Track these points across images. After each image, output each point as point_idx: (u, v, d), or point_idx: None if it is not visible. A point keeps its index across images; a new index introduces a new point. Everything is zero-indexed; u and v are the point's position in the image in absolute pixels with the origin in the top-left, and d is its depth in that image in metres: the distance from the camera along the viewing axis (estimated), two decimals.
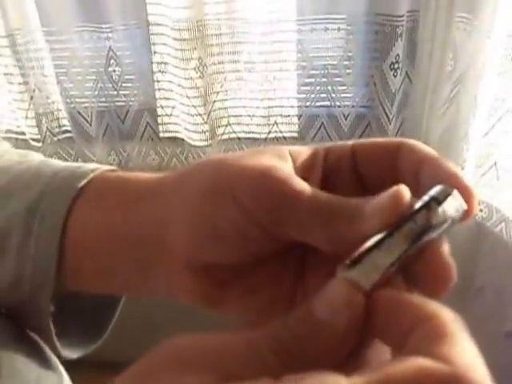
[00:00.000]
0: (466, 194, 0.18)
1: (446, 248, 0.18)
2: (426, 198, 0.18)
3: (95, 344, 0.28)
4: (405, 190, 0.18)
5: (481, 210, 0.87)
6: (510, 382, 0.93)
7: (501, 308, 0.90)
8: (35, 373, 0.26)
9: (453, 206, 0.18)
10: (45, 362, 0.27)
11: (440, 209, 0.17)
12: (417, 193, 0.19)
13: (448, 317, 0.15)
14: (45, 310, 0.24)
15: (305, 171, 0.22)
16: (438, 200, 0.18)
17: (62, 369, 0.30)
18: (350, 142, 0.23)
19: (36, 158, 0.30)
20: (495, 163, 0.84)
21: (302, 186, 0.20)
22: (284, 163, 0.22)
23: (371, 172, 0.22)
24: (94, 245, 0.24)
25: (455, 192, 0.18)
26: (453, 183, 0.19)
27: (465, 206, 0.18)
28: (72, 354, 0.27)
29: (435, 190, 0.18)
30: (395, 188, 0.18)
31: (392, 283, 0.17)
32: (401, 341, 0.15)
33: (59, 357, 0.27)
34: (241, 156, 0.22)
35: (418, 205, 0.18)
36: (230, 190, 0.21)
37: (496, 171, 0.84)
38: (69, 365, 0.29)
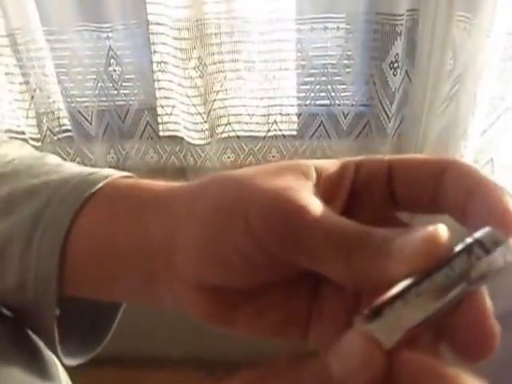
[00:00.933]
0: None
1: (488, 305, 0.15)
2: (469, 240, 0.15)
3: (93, 352, 0.28)
4: (443, 233, 0.15)
5: None
6: (500, 366, 0.94)
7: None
8: (31, 383, 0.25)
9: (502, 255, 0.15)
10: (43, 372, 0.27)
11: (486, 258, 0.15)
12: (463, 225, 0.18)
13: None
14: (49, 315, 0.24)
15: (331, 187, 0.21)
16: (482, 245, 0.15)
17: (62, 377, 0.29)
18: (387, 157, 0.21)
19: (53, 161, 0.29)
20: (492, 159, 0.84)
21: (320, 212, 0.18)
22: (305, 182, 0.20)
23: (408, 191, 0.21)
24: (98, 253, 0.23)
25: (509, 241, 0.15)
26: (506, 226, 0.16)
27: None
28: (72, 361, 0.26)
29: (482, 233, 0.15)
30: (431, 230, 0.15)
31: (419, 339, 0.15)
32: None
33: (62, 364, 0.27)
34: (259, 173, 0.20)
35: (458, 247, 0.15)
36: (242, 214, 0.19)
37: (492, 167, 0.84)
38: None
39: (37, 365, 0.26)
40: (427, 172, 0.20)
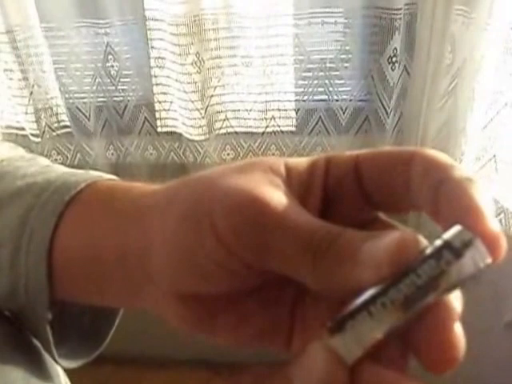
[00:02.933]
0: (491, 242, 0.14)
1: (453, 313, 0.14)
2: (438, 242, 0.14)
3: (93, 354, 0.27)
4: (410, 240, 0.14)
5: None
6: (510, 371, 0.94)
7: (500, 299, 0.90)
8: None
9: (472, 259, 0.14)
10: (42, 372, 0.26)
11: (456, 265, 0.14)
12: (435, 216, 0.16)
13: None
14: (42, 320, 0.24)
15: (302, 185, 0.20)
16: (451, 247, 0.14)
17: (62, 376, 0.29)
18: (355, 153, 0.20)
19: (41, 162, 0.29)
20: (494, 156, 0.84)
21: (286, 209, 0.18)
22: (273, 179, 0.19)
23: (376, 186, 0.19)
24: (81, 260, 0.23)
25: (478, 242, 0.14)
26: (474, 223, 0.14)
27: (488, 260, 0.14)
28: (70, 363, 0.27)
29: (452, 234, 0.14)
30: (398, 236, 0.15)
31: (385, 348, 0.15)
32: None
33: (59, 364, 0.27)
34: (225, 172, 0.20)
35: (427, 250, 0.14)
36: (208, 220, 0.18)
37: (495, 164, 0.84)
38: None
39: (36, 365, 0.26)
40: (392, 166, 0.19)
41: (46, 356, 0.27)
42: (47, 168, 0.27)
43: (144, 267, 0.21)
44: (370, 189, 0.19)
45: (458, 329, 0.14)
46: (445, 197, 0.16)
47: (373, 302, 0.14)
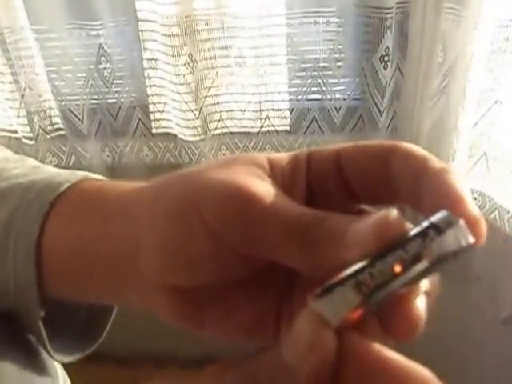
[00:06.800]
0: (472, 224, 0.15)
1: (418, 291, 0.16)
2: (425, 223, 0.15)
3: (90, 348, 0.28)
4: (394, 217, 0.15)
5: (475, 199, 0.88)
6: (507, 367, 0.95)
7: (496, 295, 0.91)
8: (27, 379, 0.25)
9: (454, 237, 0.15)
10: (41, 368, 0.27)
11: (437, 240, 0.15)
12: (417, 206, 0.17)
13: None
14: (35, 316, 0.24)
15: (285, 179, 0.20)
16: (437, 227, 0.15)
17: (60, 372, 0.29)
18: (336, 147, 0.21)
19: (29, 163, 0.29)
20: (485, 153, 0.85)
21: (273, 198, 0.18)
22: (258, 172, 0.20)
23: (359, 180, 0.20)
24: (67, 260, 0.23)
25: (461, 222, 0.15)
26: (456, 208, 0.16)
27: (471, 240, 0.15)
28: (67, 357, 0.27)
29: (438, 216, 0.15)
30: (383, 214, 0.15)
31: (366, 322, 0.15)
32: None
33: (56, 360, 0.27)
34: (211, 167, 0.20)
35: (413, 231, 0.15)
36: (196, 212, 0.19)
37: (486, 161, 0.85)
38: None
39: (34, 362, 0.27)
40: (372, 159, 0.19)
41: (45, 354, 0.27)
42: (34, 169, 0.27)
43: (129, 261, 0.21)
44: (352, 182, 0.20)
45: (420, 302, 0.15)
46: (426, 187, 0.17)
47: (361, 271, 0.14)
